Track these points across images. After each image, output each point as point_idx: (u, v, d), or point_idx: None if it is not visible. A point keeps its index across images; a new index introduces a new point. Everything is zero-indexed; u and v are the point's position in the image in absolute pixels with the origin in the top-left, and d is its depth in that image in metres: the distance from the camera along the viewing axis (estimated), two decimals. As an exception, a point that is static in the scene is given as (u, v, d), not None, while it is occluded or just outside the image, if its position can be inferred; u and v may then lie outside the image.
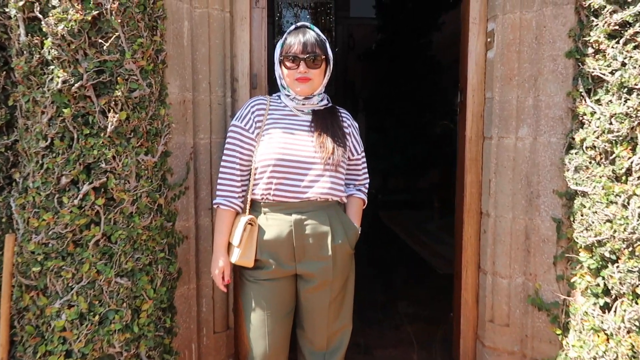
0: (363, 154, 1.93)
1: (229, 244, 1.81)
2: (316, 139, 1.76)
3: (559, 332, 2.03)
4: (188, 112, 2.04)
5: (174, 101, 1.96)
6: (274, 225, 1.74)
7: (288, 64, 1.75)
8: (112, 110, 1.72)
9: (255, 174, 1.77)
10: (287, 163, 1.72)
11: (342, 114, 1.89)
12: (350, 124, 1.89)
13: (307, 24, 1.80)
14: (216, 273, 1.81)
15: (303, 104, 1.81)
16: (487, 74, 2.31)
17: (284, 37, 1.79)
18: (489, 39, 2.28)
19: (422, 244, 5.45)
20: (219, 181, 1.80)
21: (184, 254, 2.06)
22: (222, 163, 1.80)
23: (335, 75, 9.29)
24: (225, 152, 1.80)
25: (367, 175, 1.96)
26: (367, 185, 1.96)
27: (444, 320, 3.21)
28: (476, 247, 2.40)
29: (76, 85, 1.66)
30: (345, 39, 9.28)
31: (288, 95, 1.81)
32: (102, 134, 1.71)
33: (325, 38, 1.80)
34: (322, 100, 1.84)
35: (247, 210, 1.79)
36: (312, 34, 1.76)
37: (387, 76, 8.19)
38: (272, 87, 2.11)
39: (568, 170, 1.97)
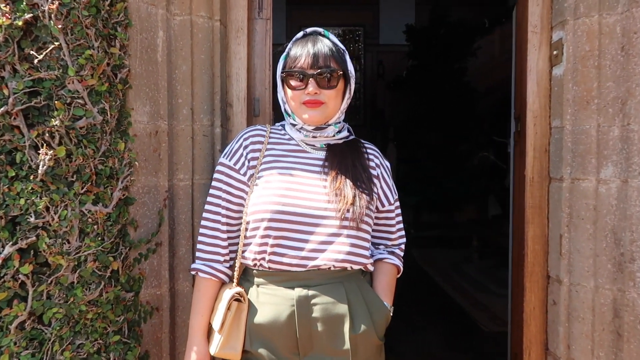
0: (397, 203, 1.42)
1: (209, 327, 1.31)
2: (331, 183, 1.27)
3: None
4: (162, 146, 1.58)
5: (141, 132, 1.51)
6: (270, 303, 1.24)
7: (293, 82, 1.28)
8: (46, 144, 1.27)
9: (246, 230, 1.28)
10: (289, 217, 1.23)
11: (369, 150, 1.40)
12: (379, 163, 1.39)
13: (320, 29, 1.33)
14: None
15: (314, 137, 1.33)
16: (553, 96, 1.77)
17: (287, 46, 1.33)
18: (554, 52, 1.75)
19: (462, 291, 4.81)
20: (200, 239, 1.32)
21: (154, 332, 1.57)
22: (204, 214, 1.33)
23: (364, 104, 8.88)
24: (208, 199, 1.33)
25: (402, 233, 1.44)
26: (402, 247, 1.44)
27: (493, 401, 2.59)
28: (542, 323, 1.82)
29: (-1, 111, 1.22)
30: (374, 66, 8.89)
31: (294, 125, 1.34)
32: (32, 177, 1.26)
33: (344, 48, 1.33)
34: (340, 132, 1.36)
35: (236, 280, 1.30)
36: (326, 43, 1.29)
37: (418, 104, 7.71)
38: (281, 115, 1.65)
39: (682, 227, 1.40)
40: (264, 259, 1.25)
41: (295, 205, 1.24)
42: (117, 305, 1.40)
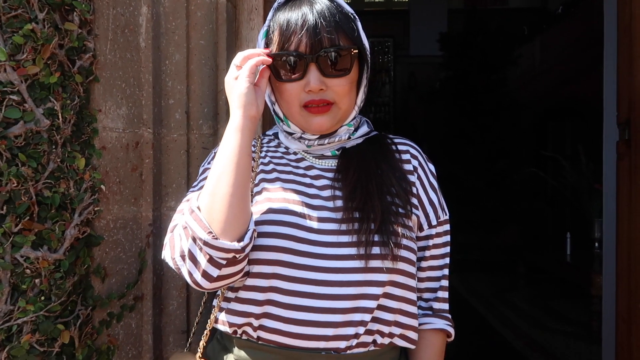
0: (446, 227, 0.92)
1: None
2: (346, 203, 0.82)
3: None
4: (145, 163, 1.16)
5: (113, 144, 1.09)
6: None
7: (283, 72, 0.82)
8: (-41, 161, 0.86)
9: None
10: (287, 257, 0.80)
11: (400, 147, 0.92)
12: (417, 165, 0.90)
13: None
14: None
15: (320, 145, 0.88)
16: (681, 90, 1.29)
17: (268, 18, 0.87)
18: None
19: (512, 326, 4.24)
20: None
21: (131, 421, 1.13)
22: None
23: (395, 118, 8.42)
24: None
25: (446, 273, 0.92)
26: (446, 297, 0.93)
27: None
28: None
29: None
30: (405, 78, 8.46)
31: (290, 134, 0.89)
32: (-61, 210, 0.85)
33: (353, 12, 0.88)
34: (357, 130, 0.91)
35: (201, 350, 0.87)
36: (325, 4, 0.83)
37: (454, 118, 7.23)
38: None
39: None
40: (250, 324, 0.80)
41: (296, 239, 0.80)
42: (71, 392, 0.97)
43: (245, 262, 0.78)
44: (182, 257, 0.77)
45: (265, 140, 0.94)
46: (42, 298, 0.92)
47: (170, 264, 0.80)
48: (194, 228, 0.75)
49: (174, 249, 0.78)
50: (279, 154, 0.91)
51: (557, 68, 6.85)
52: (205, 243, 0.74)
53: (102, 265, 1.06)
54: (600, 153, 2.01)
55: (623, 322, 1.50)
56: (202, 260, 0.75)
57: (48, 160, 0.94)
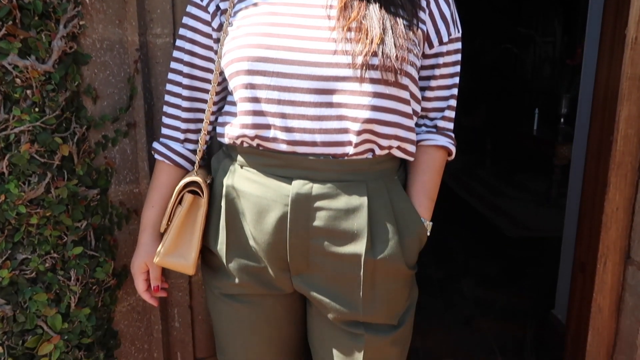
0: (457, 45, 0.89)
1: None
2: (340, 13, 0.79)
3: None
4: (127, -17, 1.09)
5: (90, -45, 1.01)
6: (253, 194, 0.84)
7: None
8: None
9: (219, 91, 0.90)
10: (277, 67, 0.78)
11: None
12: None
13: None
14: (135, 272, 0.95)
15: None
16: None
17: None
18: None
19: (478, 196, 4.51)
20: (163, 109, 0.94)
21: (132, 242, 1.18)
22: (167, 75, 0.93)
23: None
24: (172, 54, 0.92)
25: (454, 93, 0.92)
26: (451, 125, 0.95)
27: (531, 313, 2.32)
28: (625, 227, 1.45)
29: None
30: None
31: None
32: None
33: None
34: None
35: (197, 164, 0.92)
36: None
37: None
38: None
39: None
40: (245, 135, 0.82)
41: (286, 48, 0.78)
42: (75, 205, 0.99)
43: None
44: None
45: None
46: (37, 109, 0.90)
47: None
48: None
49: None
50: None
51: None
52: None
53: (92, 87, 1.03)
54: (573, 29, 1.98)
55: (592, 158, 1.61)
56: None
57: (23, -40, 0.86)
